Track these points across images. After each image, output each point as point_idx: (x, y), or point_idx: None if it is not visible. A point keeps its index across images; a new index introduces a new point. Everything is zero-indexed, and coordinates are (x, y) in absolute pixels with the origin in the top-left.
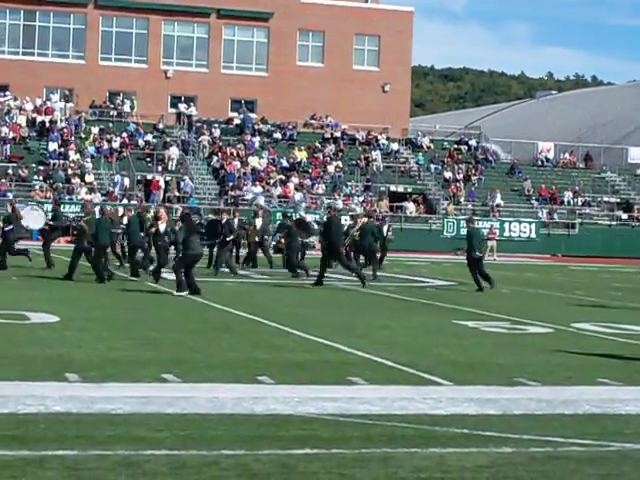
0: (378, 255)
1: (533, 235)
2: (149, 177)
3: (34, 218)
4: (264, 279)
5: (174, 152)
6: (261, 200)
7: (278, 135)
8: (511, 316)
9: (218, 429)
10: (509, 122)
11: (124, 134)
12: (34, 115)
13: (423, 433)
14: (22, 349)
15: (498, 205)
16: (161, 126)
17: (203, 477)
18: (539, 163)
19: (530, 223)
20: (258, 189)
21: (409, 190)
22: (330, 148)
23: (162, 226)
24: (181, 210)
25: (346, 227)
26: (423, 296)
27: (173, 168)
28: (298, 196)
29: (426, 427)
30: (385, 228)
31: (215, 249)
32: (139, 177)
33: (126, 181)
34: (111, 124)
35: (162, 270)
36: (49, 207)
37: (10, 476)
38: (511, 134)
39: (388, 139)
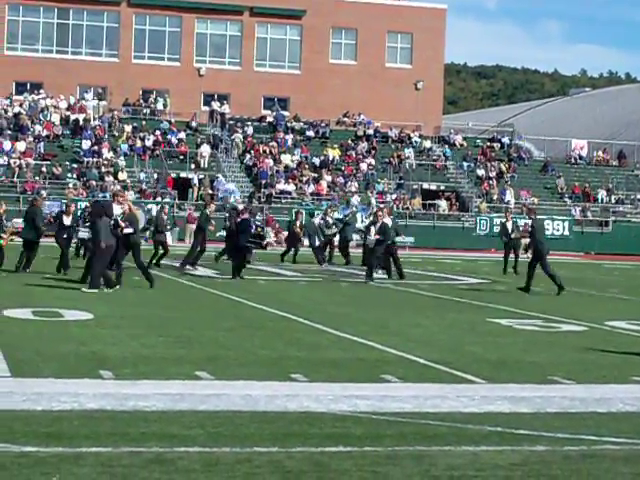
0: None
1: (566, 233)
2: (182, 175)
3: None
4: (296, 277)
5: (205, 150)
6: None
7: (311, 133)
8: (544, 314)
9: (251, 426)
10: (542, 119)
11: (157, 132)
12: (67, 113)
13: (456, 431)
14: (56, 346)
15: (531, 203)
16: (194, 124)
17: (236, 474)
18: (572, 161)
19: (563, 221)
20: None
21: (442, 188)
22: (363, 146)
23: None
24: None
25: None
26: (456, 294)
27: (205, 166)
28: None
29: (459, 425)
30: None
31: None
32: (173, 175)
33: (155, 176)
34: (144, 122)
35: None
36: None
37: (44, 472)
38: (544, 132)
39: (421, 137)
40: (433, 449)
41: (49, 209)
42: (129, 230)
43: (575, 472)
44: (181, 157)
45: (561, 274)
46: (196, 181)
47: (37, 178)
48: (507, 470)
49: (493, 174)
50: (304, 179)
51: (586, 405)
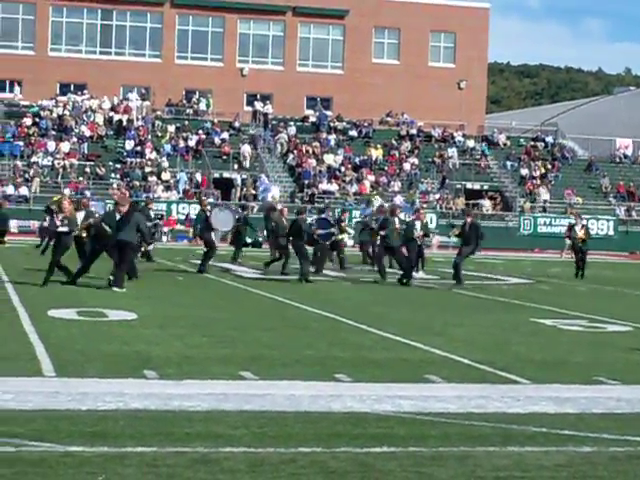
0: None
1: (611, 232)
2: (225, 175)
3: (223, 220)
4: (340, 277)
5: (246, 150)
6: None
7: (354, 133)
8: (589, 314)
9: (295, 427)
10: (586, 118)
11: (200, 132)
12: (111, 114)
13: (501, 432)
14: (101, 346)
15: (575, 203)
16: (237, 124)
17: (280, 475)
18: (617, 160)
19: (608, 220)
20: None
21: (485, 187)
22: (406, 145)
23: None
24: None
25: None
26: (500, 294)
27: (247, 166)
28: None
29: (504, 426)
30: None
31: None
32: (216, 175)
33: (198, 177)
34: (187, 122)
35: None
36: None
37: (90, 472)
38: (588, 131)
39: (464, 136)
40: (478, 450)
41: (92, 209)
42: (64, 229)
43: (621, 473)
44: (224, 157)
45: (606, 274)
46: (239, 181)
47: (81, 178)
48: (552, 471)
49: (537, 174)
50: (347, 179)
51: (632, 406)
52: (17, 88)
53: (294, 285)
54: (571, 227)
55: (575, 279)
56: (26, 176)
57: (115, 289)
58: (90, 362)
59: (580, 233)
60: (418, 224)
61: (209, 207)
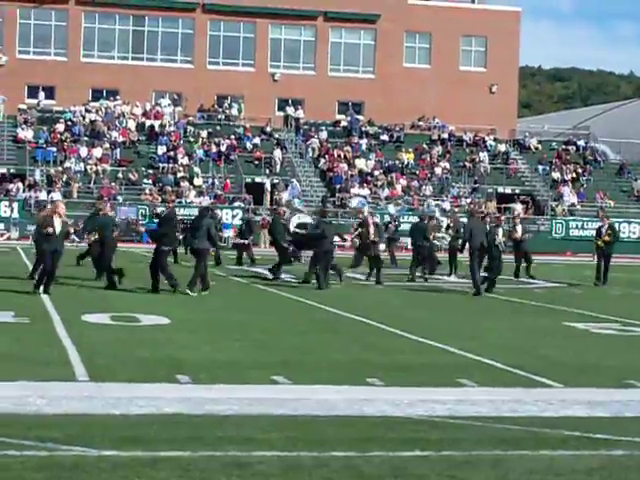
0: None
1: None
2: (257, 180)
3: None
4: (370, 280)
5: (277, 154)
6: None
7: (385, 137)
8: (622, 318)
9: (328, 430)
10: (618, 122)
11: (232, 137)
12: (143, 119)
13: (533, 435)
14: (134, 351)
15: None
16: (269, 129)
17: (314, 478)
18: None
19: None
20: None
21: (517, 191)
22: (437, 149)
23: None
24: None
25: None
26: (532, 298)
27: (278, 170)
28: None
29: (536, 429)
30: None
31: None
32: (248, 180)
33: (219, 181)
34: (219, 127)
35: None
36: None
37: (123, 476)
38: (620, 134)
39: (495, 140)
40: (510, 453)
41: (125, 214)
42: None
43: None
44: (256, 162)
45: (638, 277)
46: (268, 186)
47: (114, 184)
48: (585, 475)
49: (568, 177)
50: (378, 183)
51: None
52: (42, 94)
53: (324, 289)
54: (599, 229)
55: (595, 285)
56: (60, 182)
57: (188, 291)
58: (123, 367)
59: (605, 235)
60: (500, 231)
61: (286, 215)
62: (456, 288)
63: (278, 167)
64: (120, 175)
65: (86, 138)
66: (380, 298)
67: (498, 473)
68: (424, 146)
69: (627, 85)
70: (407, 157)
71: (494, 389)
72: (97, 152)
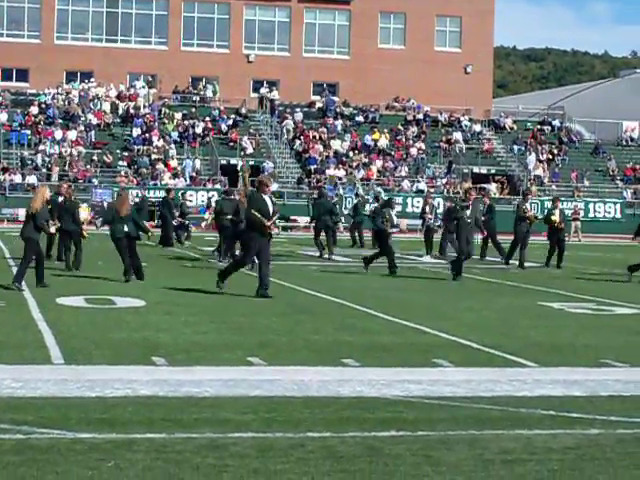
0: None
1: (618, 215)
2: (232, 162)
3: None
4: (348, 262)
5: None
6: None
7: (360, 118)
8: (597, 297)
9: (304, 412)
10: (593, 102)
11: (207, 119)
12: (118, 101)
13: (509, 415)
14: (109, 333)
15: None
16: (243, 111)
17: (289, 459)
18: (624, 143)
19: (615, 203)
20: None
21: (492, 171)
22: (412, 130)
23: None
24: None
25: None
26: (508, 278)
27: (252, 151)
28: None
29: (512, 409)
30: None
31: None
32: (223, 162)
33: (197, 164)
34: (194, 109)
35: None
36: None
37: (99, 459)
38: (595, 114)
39: (470, 120)
40: (486, 433)
41: (100, 197)
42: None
43: (629, 455)
44: (231, 144)
45: (613, 257)
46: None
47: (88, 167)
48: (561, 454)
49: (544, 157)
50: (354, 164)
51: (639, 388)
52: None
53: (301, 271)
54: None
55: (547, 267)
56: (34, 164)
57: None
58: (99, 349)
59: (558, 218)
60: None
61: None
62: (432, 269)
63: (252, 149)
64: (95, 157)
65: (60, 121)
66: (358, 280)
67: (474, 453)
68: (399, 127)
69: (602, 65)
70: (375, 137)
71: (470, 369)
72: (72, 135)
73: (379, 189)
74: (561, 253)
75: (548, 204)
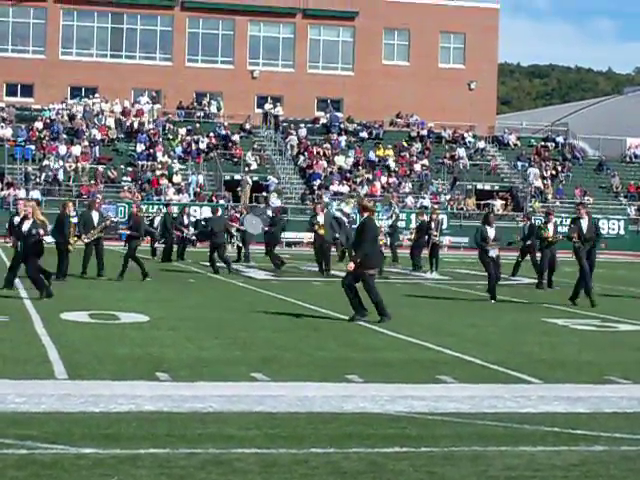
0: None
1: (622, 232)
2: (237, 177)
3: (255, 225)
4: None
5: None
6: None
7: (364, 134)
8: (601, 314)
9: (307, 427)
10: (597, 118)
11: (211, 135)
12: (122, 117)
13: (513, 431)
14: (113, 349)
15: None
16: (248, 126)
17: (293, 475)
18: (627, 159)
19: (619, 220)
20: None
21: (496, 188)
22: (416, 146)
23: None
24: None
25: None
26: (512, 294)
27: (256, 167)
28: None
29: (516, 425)
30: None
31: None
32: (227, 177)
33: (201, 179)
34: (198, 125)
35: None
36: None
37: (103, 474)
38: (599, 130)
39: (474, 137)
40: (490, 449)
41: (104, 212)
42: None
43: (633, 472)
44: (235, 159)
45: (617, 274)
46: (250, 182)
47: (92, 182)
48: (564, 470)
49: (547, 174)
50: (358, 180)
51: None
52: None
53: (304, 286)
54: (541, 226)
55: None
56: (37, 180)
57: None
58: (102, 364)
59: (551, 232)
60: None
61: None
62: (436, 285)
63: (256, 164)
64: (99, 173)
65: (65, 136)
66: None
67: (477, 469)
68: (403, 143)
69: (605, 82)
70: (380, 154)
71: (473, 385)
72: (76, 150)
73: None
74: (552, 271)
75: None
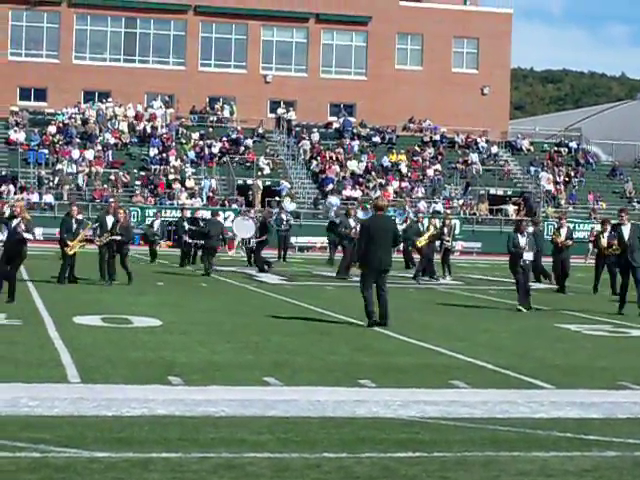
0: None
1: None
2: (249, 182)
3: (246, 228)
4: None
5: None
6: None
7: (377, 139)
8: (613, 319)
9: (320, 432)
10: (610, 123)
11: (224, 139)
12: (135, 121)
13: (525, 437)
14: (126, 353)
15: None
16: (261, 131)
17: None
18: None
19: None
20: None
21: (509, 193)
22: (429, 151)
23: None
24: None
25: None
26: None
27: (269, 172)
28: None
29: (528, 431)
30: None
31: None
32: (240, 182)
33: (213, 184)
34: (211, 129)
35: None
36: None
37: (115, 477)
38: (612, 136)
39: (487, 142)
40: (502, 455)
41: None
42: (29, 236)
43: None
44: (248, 164)
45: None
46: (260, 187)
47: (105, 186)
48: (577, 476)
49: (560, 179)
50: (371, 185)
51: None
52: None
53: (317, 291)
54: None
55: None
56: (51, 184)
57: None
58: (115, 368)
59: (563, 237)
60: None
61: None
62: (449, 290)
63: (269, 169)
64: (112, 177)
65: (78, 140)
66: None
67: (490, 474)
68: (416, 148)
69: (619, 87)
70: (392, 159)
71: (486, 390)
72: (89, 154)
73: (409, 210)
74: (565, 276)
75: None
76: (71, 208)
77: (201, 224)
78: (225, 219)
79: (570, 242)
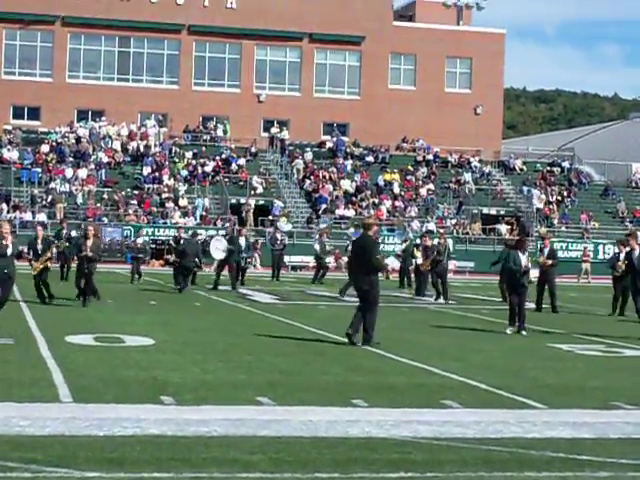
0: None
1: None
2: (242, 201)
3: (218, 249)
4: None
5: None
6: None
7: (370, 158)
8: (606, 339)
9: (312, 452)
10: (602, 143)
11: (217, 158)
12: (128, 140)
13: (518, 457)
14: (118, 372)
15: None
16: (254, 150)
17: None
18: (633, 185)
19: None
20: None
21: (502, 212)
22: (422, 171)
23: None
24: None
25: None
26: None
27: (262, 191)
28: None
29: (521, 451)
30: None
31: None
32: (233, 201)
33: (207, 203)
34: (204, 148)
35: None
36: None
37: None
38: (605, 156)
39: (480, 161)
40: (495, 475)
41: (110, 235)
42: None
43: None
44: (241, 183)
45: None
46: (252, 206)
47: (99, 205)
48: None
49: (553, 199)
50: (364, 204)
51: None
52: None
53: (309, 310)
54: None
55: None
56: (44, 203)
57: None
58: (107, 388)
59: (544, 257)
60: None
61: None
62: (441, 309)
63: (262, 188)
64: (105, 196)
65: (71, 159)
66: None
67: None
68: (409, 167)
69: (611, 107)
70: (386, 178)
71: (479, 410)
72: (82, 173)
73: (408, 230)
74: (551, 295)
75: (557, 246)
76: (36, 229)
77: (180, 243)
78: (211, 237)
79: (550, 262)
